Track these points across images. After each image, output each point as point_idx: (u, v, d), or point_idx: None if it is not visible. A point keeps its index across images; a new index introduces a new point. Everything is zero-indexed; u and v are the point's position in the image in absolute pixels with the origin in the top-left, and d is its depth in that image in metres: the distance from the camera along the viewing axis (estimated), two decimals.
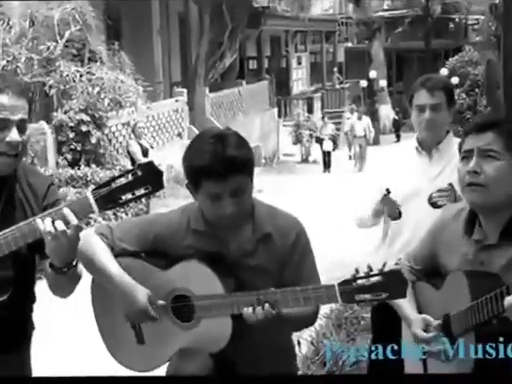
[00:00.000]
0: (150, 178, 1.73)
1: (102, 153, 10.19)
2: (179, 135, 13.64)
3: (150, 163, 1.77)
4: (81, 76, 10.01)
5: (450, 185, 2.57)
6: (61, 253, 1.74)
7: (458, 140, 2.81)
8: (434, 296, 2.05)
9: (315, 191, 12.75)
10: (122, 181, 1.71)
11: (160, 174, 1.76)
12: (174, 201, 11.37)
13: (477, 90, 16.55)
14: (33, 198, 1.92)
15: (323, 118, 18.16)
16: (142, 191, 1.72)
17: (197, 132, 14.18)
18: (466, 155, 1.94)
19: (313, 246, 2.04)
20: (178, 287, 1.94)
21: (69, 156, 9.77)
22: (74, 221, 1.69)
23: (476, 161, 1.88)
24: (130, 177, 1.72)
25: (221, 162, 1.79)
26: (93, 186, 1.83)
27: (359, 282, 1.74)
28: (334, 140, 17.27)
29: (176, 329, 1.96)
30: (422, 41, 26.87)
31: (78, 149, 9.80)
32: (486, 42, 13.35)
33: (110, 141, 10.78)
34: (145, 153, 9.13)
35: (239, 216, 1.88)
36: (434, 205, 2.56)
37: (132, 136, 9.52)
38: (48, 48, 9.80)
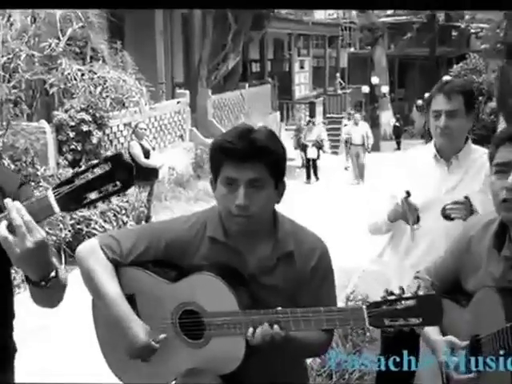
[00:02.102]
0: (118, 173, 1.48)
1: (103, 153, 10.02)
2: (181, 137, 13.49)
3: (119, 155, 1.52)
4: (82, 75, 9.86)
5: (466, 198, 2.44)
6: (26, 259, 1.47)
7: (477, 148, 2.71)
8: (459, 314, 1.91)
9: (316, 196, 12.65)
10: (87, 177, 1.48)
11: (130, 167, 1.51)
12: (176, 203, 11.27)
13: (480, 98, 16.47)
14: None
15: (308, 123, 16.87)
16: (109, 188, 1.49)
17: (199, 134, 14.13)
18: (501, 169, 1.80)
19: None
20: (187, 302, 1.80)
21: (69, 156, 9.60)
22: (26, 215, 1.45)
23: None
24: (95, 172, 1.48)
25: (243, 143, 1.72)
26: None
27: (390, 305, 1.59)
28: (320, 147, 15.96)
29: (183, 347, 1.82)
30: (425, 48, 26.87)
31: (79, 149, 9.63)
32: (492, 50, 13.25)
33: (111, 141, 10.63)
34: (146, 154, 8.98)
35: (254, 219, 1.75)
36: (447, 217, 2.45)
37: (133, 137, 9.37)
38: (49, 45, 9.65)
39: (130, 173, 1.50)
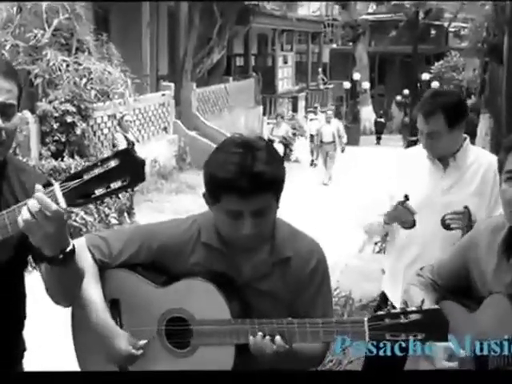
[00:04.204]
0: (128, 168, 1.45)
1: (87, 145, 10.01)
2: (165, 129, 13.51)
3: (128, 151, 1.48)
4: (67, 66, 9.83)
5: (466, 208, 2.45)
6: (46, 233, 1.46)
7: (474, 148, 2.72)
8: (465, 319, 1.83)
9: (296, 190, 12.70)
10: (96, 172, 1.44)
11: (140, 163, 1.47)
12: (158, 196, 11.28)
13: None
14: (24, 199, 1.57)
15: (277, 117, 16.10)
16: (118, 184, 1.45)
17: (183, 127, 14.14)
18: None
19: None
20: (175, 308, 1.72)
21: (52, 147, 9.56)
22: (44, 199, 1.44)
23: None
24: (104, 167, 1.44)
25: (247, 177, 1.59)
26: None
27: (393, 318, 1.55)
28: (287, 144, 15.19)
29: (167, 356, 1.73)
30: (404, 45, 27.10)
31: (62, 140, 9.59)
32: (473, 49, 13.43)
33: (94, 133, 10.61)
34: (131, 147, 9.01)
35: (258, 238, 1.69)
36: (447, 227, 2.48)
37: (118, 129, 9.38)
38: (35, 36, 9.60)
39: (138, 167, 1.47)
